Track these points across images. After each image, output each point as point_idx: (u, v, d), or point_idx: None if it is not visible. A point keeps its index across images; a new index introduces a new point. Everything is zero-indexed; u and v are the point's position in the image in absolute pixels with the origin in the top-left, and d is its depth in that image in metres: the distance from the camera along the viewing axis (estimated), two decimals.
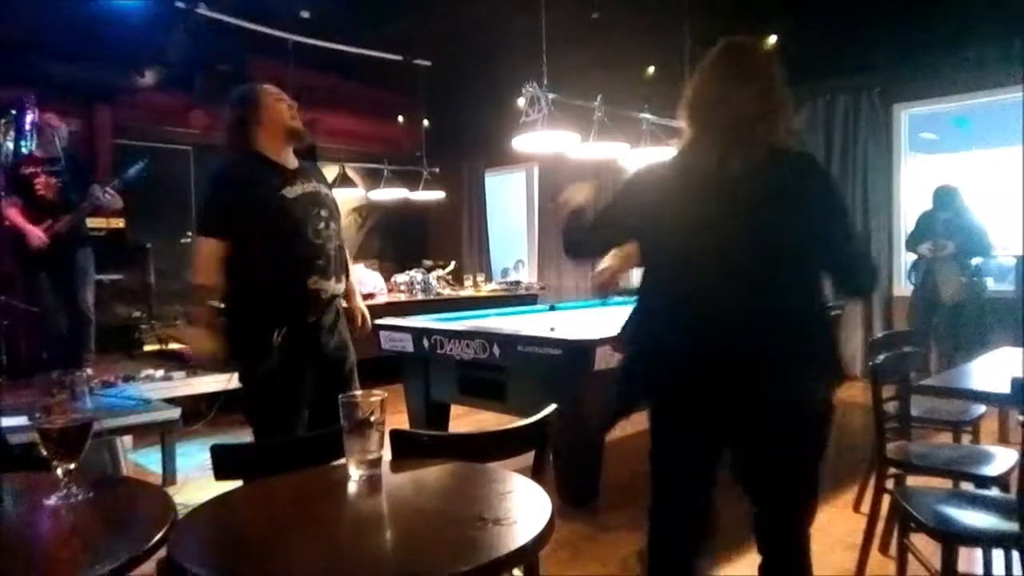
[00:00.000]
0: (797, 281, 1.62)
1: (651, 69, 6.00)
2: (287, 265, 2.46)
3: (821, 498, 3.16)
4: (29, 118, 4.91)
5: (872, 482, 2.58)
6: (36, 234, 4.55)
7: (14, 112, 4.90)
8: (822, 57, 5.54)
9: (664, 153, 1.86)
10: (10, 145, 4.86)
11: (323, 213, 2.55)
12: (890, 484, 2.45)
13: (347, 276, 2.74)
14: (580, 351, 3.06)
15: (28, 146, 4.88)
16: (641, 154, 4.98)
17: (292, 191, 2.49)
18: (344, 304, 2.76)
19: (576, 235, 1.89)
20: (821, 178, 1.69)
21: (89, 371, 4.42)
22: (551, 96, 4.49)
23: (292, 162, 2.57)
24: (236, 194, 2.45)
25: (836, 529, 2.83)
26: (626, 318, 1.86)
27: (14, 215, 4.57)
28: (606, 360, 2.98)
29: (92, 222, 5.10)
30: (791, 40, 5.27)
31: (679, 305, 1.67)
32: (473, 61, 6.87)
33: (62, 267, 4.71)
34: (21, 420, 2.63)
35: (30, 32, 5.10)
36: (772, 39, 5.27)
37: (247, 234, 2.43)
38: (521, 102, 4.61)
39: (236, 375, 2.56)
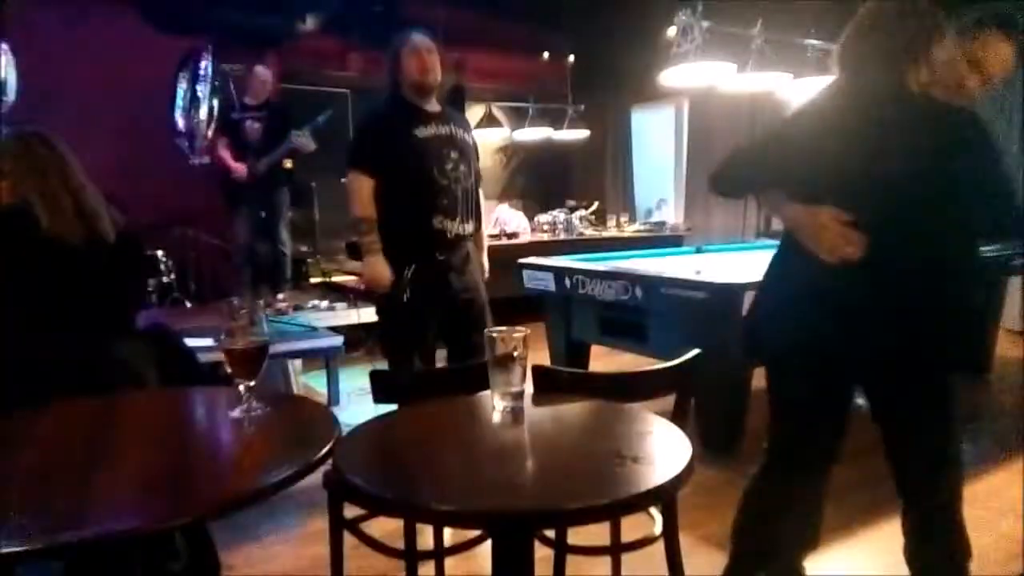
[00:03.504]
0: (942, 231, 1.62)
1: None
2: (413, 202, 2.65)
3: (990, 463, 2.95)
4: (203, 64, 5.41)
5: None
6: (239, 170, 5.14)
7: (192, 60, 5.41)
8: None
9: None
10: (184, 87, 5.41)
11: (453, 155, 2.68)
12: None
13: (479, 222, 2.86)
14: (727, 295, 2.96)
15: (203, 91, 5.40)
16: (806, 85, 4.61)
17: (424, 131, 2.67)
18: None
19: (729, 170, 1.84)
20: (978, 137, 1.61)
21: (282, 297, 4.98)
22: (705, 24, 4.23)
23: (433, 106, 2.74)
24: (376, 131, 2.73)
25: (1006, 494, 2.61)
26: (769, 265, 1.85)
27: (223, 154, 5.20)
28: None
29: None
30: None
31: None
32: None
33: (261, 205, 5.28)
34: (208, 342, 2.95)
35: None
36: None
37: (384, 170, 2.65)
38: (672, 32, 4.39)
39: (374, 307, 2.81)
